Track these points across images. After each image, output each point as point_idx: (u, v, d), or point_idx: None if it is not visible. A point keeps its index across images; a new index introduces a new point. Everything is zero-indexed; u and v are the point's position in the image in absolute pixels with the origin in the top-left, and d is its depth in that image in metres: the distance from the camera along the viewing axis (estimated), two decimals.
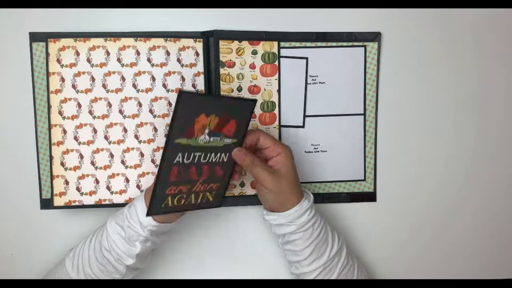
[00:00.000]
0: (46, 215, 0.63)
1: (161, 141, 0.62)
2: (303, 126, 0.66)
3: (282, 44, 0.64)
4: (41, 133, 0.62)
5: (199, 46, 0.62)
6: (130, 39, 0.60)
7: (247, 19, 0.64)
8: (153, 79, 0.61)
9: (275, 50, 0.64)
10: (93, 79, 0.61)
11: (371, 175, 0.69)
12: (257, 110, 0.65)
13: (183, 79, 0.62)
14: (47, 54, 0.60)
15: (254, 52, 0.64)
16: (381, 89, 0.67)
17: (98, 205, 0.61)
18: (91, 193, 0.61)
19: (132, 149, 0.62)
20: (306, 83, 0.65)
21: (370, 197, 0.69)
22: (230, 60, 0.63)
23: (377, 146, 0.68)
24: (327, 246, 0.58)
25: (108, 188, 0.61)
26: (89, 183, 0.61)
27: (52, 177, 0.61)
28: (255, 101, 0.54)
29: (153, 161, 0.62)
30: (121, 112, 0.61)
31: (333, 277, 0.57)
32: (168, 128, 0.51)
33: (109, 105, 0.61)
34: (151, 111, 0.62)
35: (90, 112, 0.61)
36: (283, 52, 0.64)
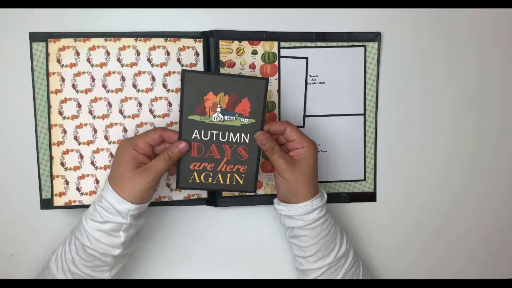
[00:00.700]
0: (46, 215, 0.63)
1: None
2: (303, 126, 0.66)
3: (282, 44, 0.64)
4: (41, 133, 0.62)
5: (199, 46, 0.62)
6: (130, 39, 0.60)
7: (247, 19, 0.64)
8: (153, 79, 0.61)
9: (275, 50, 0.64)
10: (93, 79, 0.61)
11: (371, 175, 0.69)
12: None
13: None
14: (47, 54, 0.60)
15: (254, 52, 0.64)
16: (381, 89, 0.67)
17: None
18: (91, 193, 0.61)
19: None
20: (306, 83, 0.65)
21: (370, 197, 0.69)
22: (230, 60, 0.63)
23: (377, 146, 0.68)
24: (334, 247, 0.57)
25: None
26: (89, 183, 0.61)
27: (52, 177, 0.61)
28: (266, 79, 0.54)
29: None
30: (121, 112, 0.61)
31: (338, 278, 0.57)
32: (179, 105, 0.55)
33: (109, 105, 0.61)
34: (151, 111, 0.62)
35: (90, 112, 0.61)
36: (283, 52, 0.64)
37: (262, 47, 0.64)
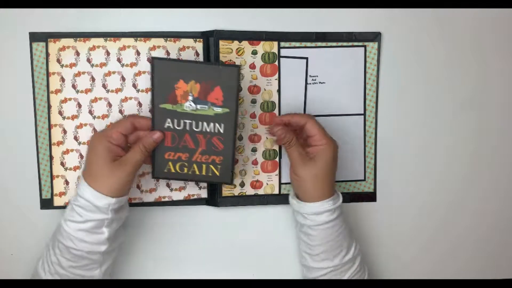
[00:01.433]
0: (46, 215, 0.63)
1: None
2: None
3: (282, 44, 0.64)
4: (41, 133, 0.62)
5: (199, 46, 0.62)
6: (130, 39, 0.60)
7: (247, 19, 0.64)
8: None
9: (275, 50, 0.64)
10: (93, 79, 0.61)
11: (371, 175, 0.69)
12: (257, 110, 0.65)
13: None
14: (47, 54, 0.60)
15: (254, 52, 0.64)
16: (381, 89, 0.67)
17: None
18: None
19: None
20: (306, 83, 0.65)
21: (370, 197, 0.69)
22: (230, 60, 0.63)
23: (377, 146, 0.68)
24: (340, 252, 0.57)
25: None
26: None
27: (52, 177, 0.61)
28: (237, 66, 0.54)
29: None
30: (121, 112, 0.61)
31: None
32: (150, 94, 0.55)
33: (109, 105, 0.61)
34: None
35: (90, 112, 0.61)
36: (283, 52, 0.64)
37: (262, 47, 0.64)
